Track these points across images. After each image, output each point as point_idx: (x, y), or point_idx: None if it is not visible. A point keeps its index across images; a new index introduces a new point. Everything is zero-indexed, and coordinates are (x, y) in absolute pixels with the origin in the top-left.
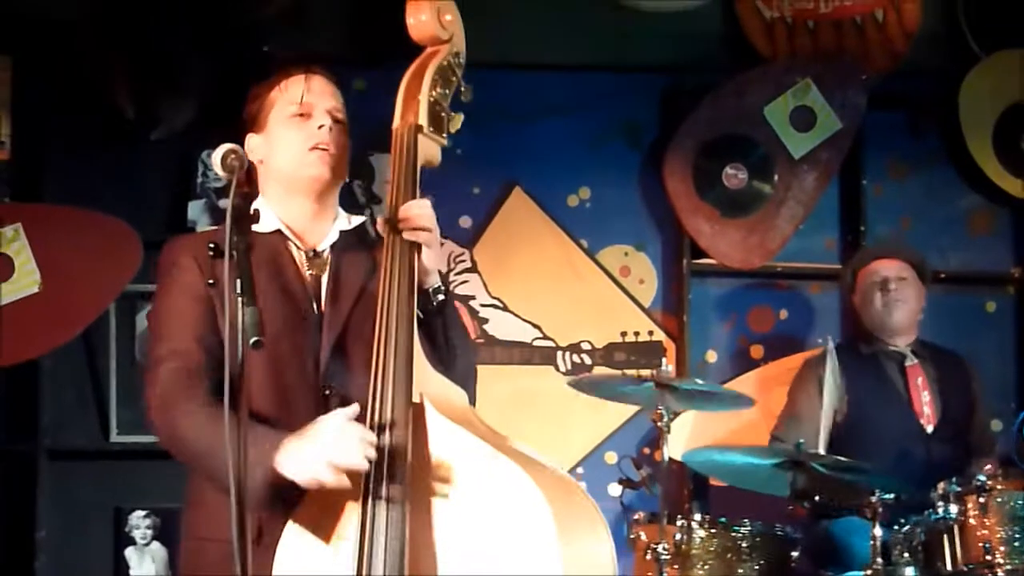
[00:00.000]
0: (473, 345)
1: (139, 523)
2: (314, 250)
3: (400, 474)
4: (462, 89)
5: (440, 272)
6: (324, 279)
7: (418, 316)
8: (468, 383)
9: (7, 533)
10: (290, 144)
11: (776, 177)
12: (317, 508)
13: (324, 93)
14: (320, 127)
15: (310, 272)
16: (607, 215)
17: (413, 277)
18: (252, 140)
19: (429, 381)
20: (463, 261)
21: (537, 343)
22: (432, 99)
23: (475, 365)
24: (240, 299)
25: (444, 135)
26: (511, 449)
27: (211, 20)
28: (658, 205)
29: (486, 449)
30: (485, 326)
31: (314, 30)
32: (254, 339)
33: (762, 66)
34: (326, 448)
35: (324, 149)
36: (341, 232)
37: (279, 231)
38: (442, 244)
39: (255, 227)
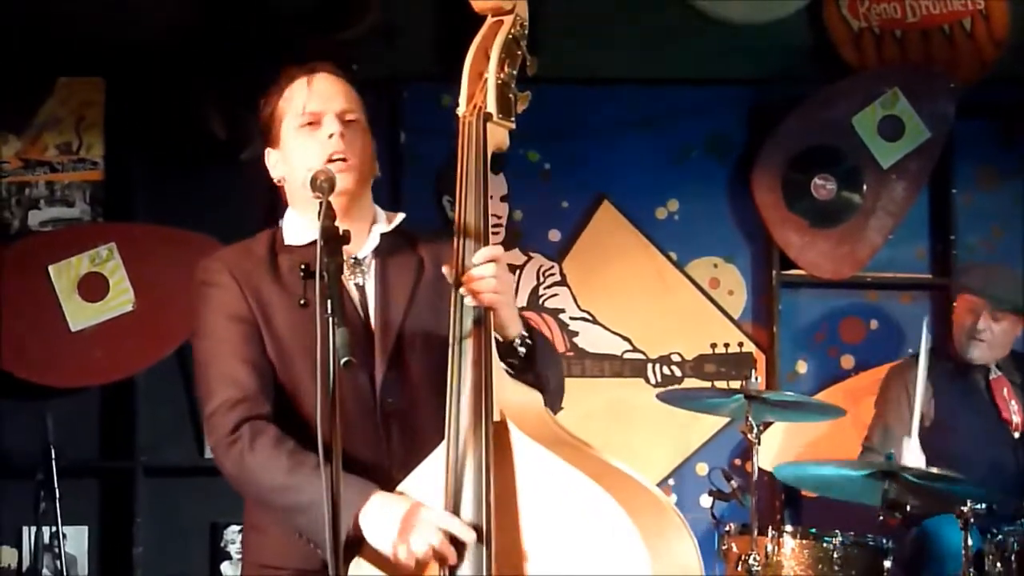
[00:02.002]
0: (561, 363)
1: (235, 538)
2: (355, 258)
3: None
4: (528, 63)
5: (522, 316)
6: (370, 287)
7: (507, 371)
8: (557, 397)
9: (105, 549)
10: (303, 158)
11: (865, 187)
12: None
13: (330, 95)
14: (330, 136)
15: (353, 281)
16: (696, 227)
17: (489, 331)
18: (271, 157)
19: (506, 391)
20: (552, 275)
21: (627, 356)
22: (500, 81)
23: (563, 378)
24: (332, 320)
25: (512, 119)
26: (597, 466)
27: (300, 39)
28: (747, 217)
29: (574, 475)
30: (575, 339)
31: (402, 47)
32: (345, 359)
33: (850, 76)
34: (404, 529)
35: (340, 159)
36: (382, 235)
37: (315, 243)
38: (530, 258)
39: (289, 241)
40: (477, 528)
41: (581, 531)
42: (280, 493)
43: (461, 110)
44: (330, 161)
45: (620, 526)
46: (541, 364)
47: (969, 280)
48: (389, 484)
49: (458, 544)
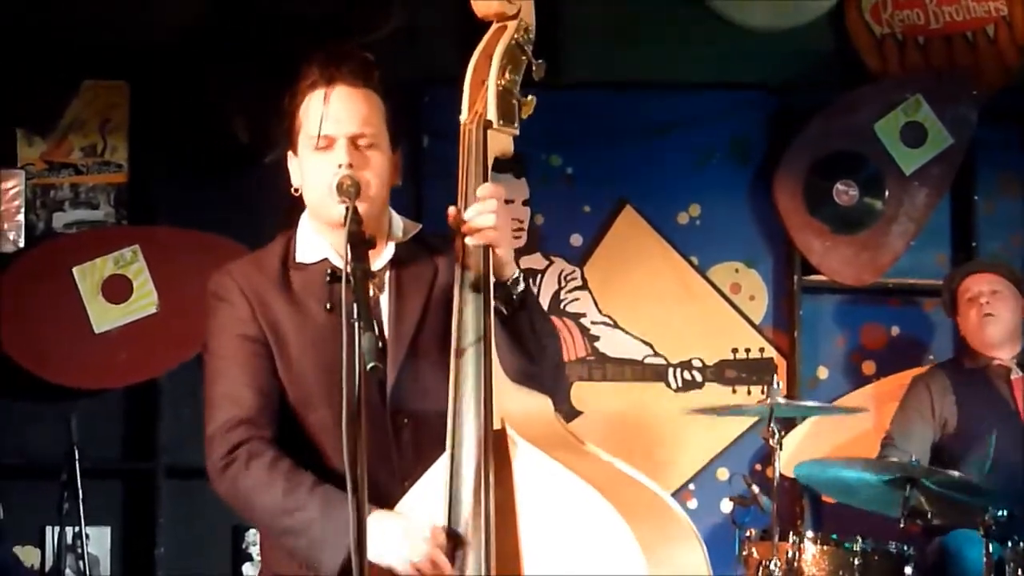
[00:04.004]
0: (558, 334)
1: (256, 540)
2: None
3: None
4: (533, 68)
5: (517, 265)
6: (384, 299)
7: (500, 312)
8: (559, 375)
9: (127, 550)
10: (315, 180)
11: (887, 193)
12: None
13: (345, 116)
14: (340, 166)
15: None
16: (717, 232)
17: (488, 287)
18: (291, 163)
19: (509, 397)
20: (574, 279)
21: (648, 360)
22: (501, 87)
23: (562, 354)
24: (358, 325)
25: (516, 125)
26: (600, 470)
27: (324, 43)
28: (768, 222)
29: (571, 479)
30: (596, 343)
31: (425, 51)
32: (371, 364)
33: (872, 82)
34: (407, 547)
35: None
36: (397, 246)
37: (327, 259)
38: (551, 262)
39: (300, 259)
40: (474, 539)
41: (578, 536)
42: (276, 516)
43: (463, 117)
44: None
45: (615, 531)
46: (536, 313)
47: (952, 277)
48: (397, 495)
49: (457, 546)
